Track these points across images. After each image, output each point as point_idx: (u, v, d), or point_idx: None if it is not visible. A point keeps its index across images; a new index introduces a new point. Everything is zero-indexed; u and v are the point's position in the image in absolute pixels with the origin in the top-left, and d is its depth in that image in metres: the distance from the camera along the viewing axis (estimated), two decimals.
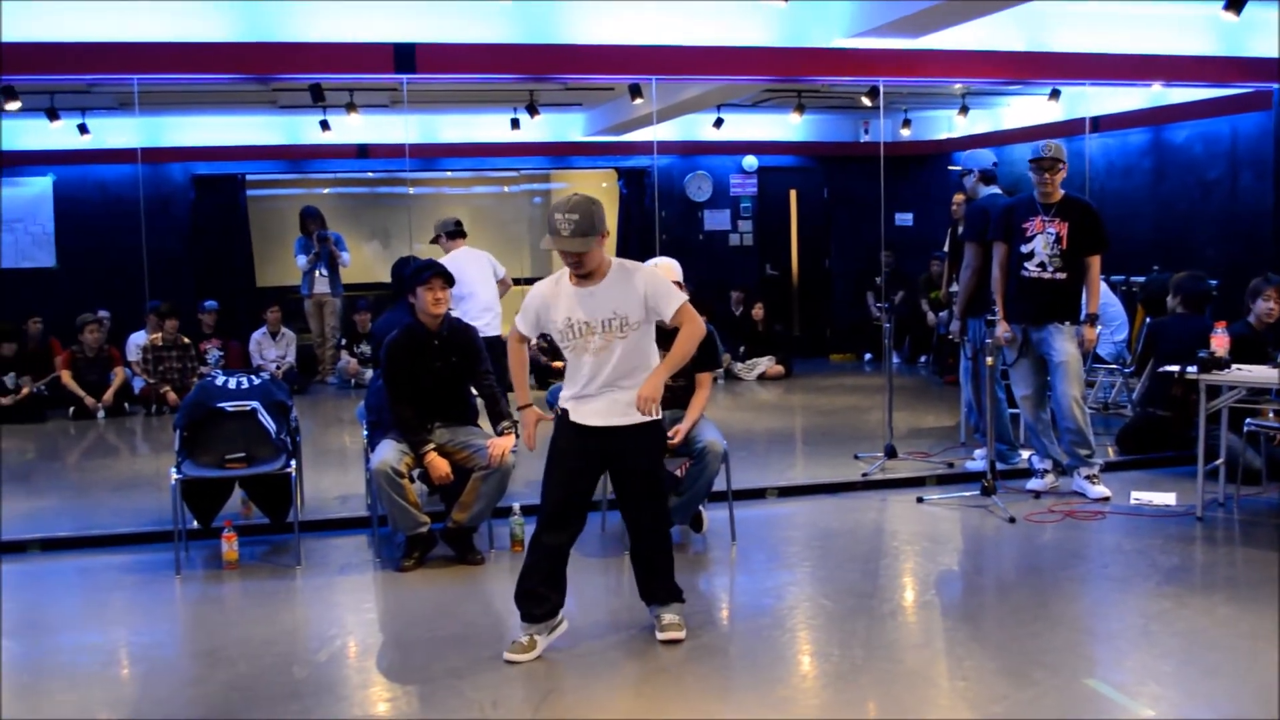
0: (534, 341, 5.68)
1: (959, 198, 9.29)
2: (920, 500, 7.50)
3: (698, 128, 14.31)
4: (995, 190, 8.16)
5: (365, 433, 6.93)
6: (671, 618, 5.12)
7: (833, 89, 12.48)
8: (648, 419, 4.89)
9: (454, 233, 9.10)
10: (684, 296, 4.90)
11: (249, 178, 14.69)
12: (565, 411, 4.96)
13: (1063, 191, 7.45)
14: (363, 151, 14.20)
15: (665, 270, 6.31)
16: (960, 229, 8.91)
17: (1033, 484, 7.67)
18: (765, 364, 13.52)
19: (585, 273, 4.79)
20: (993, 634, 5.24)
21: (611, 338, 4.81)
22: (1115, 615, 5.43)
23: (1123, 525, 6.87)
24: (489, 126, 14.06)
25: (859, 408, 11.17)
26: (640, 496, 5.04)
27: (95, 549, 6.87)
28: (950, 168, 8.84)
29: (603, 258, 4.83)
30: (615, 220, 15.61)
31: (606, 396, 4.88)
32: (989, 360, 7.48)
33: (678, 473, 6.44)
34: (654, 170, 14.19)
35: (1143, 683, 4.55)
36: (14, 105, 9.72)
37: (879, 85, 10.18)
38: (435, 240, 9.18)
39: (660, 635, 5.08)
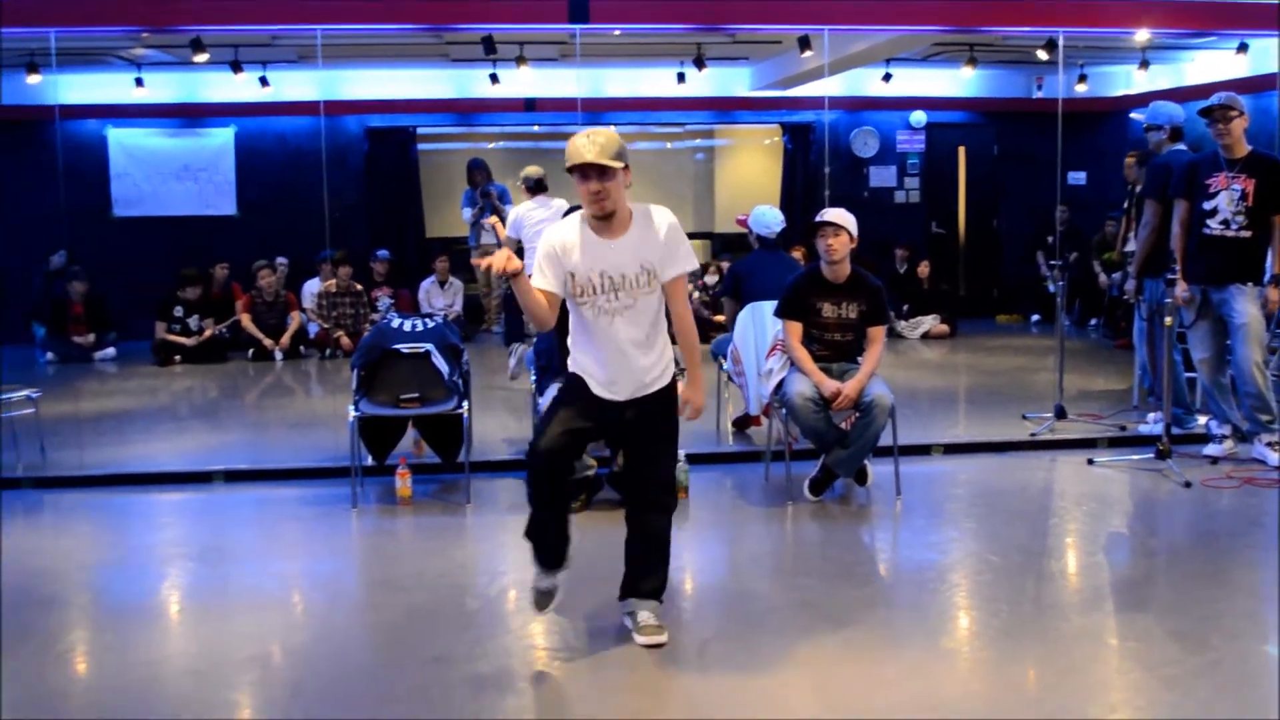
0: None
1: (1131, 157, 8.97)
2: (1091, 462, 7.32)
3: (865, 83, 14.12)
4: (1181, 147, 7.85)
5: (534, 378, 7.07)
6: (647, 616, 4.55)
7: (1006, 42, 12.18)
8: (665, 384, 4.46)
9: (534, 188, 10.22)
10: (694, 265, 4.33)
11: (420, 131, 14.99)
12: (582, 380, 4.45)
13: (1250, 147, 7.16)
14: (530, 105, 14.36)
15: (840, 219, 6.25)
16: (1138, 188, 8.64)
17: (1210, 449, 7.43)
18: (929, 322, 13.33)
19: (606, 214, 4.24)
20: (1165, 597, 5.13)
21: (637, 294, 4.30)
22: None
23: None
24: (654, 81, 14.10)
25: (1026, 368, 10.94)
26: (651, 460, 4.55)
27: (275, 482, 7.17)
28: (1133, 115, 8.52)
29: (625, 200, 4.29)
30: (780, 176, 15.53)
31: (623, 365, 4.36)
32: (1166, 321, 7.24)
33: (844, 425, 6.42)
34: (822, 125, 14.04)
35: None
36: (202, 57, 10.11)
37: (1057, 36, 9.90)
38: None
39: (639, 638, 4.48)
